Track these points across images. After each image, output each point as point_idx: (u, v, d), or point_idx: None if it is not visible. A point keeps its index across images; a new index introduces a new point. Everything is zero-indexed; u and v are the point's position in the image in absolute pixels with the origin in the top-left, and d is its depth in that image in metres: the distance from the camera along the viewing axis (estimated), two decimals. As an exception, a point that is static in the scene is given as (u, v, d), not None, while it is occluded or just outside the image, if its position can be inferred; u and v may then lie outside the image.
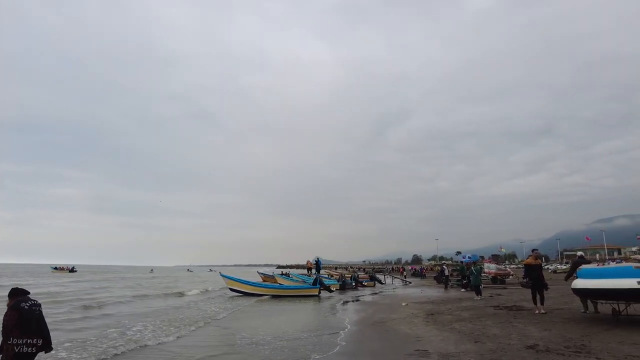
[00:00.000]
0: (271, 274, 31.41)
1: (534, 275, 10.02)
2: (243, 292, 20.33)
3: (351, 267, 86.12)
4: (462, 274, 23.18)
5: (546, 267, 69.38)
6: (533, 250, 10.69)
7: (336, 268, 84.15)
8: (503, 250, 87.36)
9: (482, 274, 17.41)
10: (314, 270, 27.23)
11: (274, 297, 19.61)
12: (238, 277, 22.32)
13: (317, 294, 20.27)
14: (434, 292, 21.69)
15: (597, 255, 78.65)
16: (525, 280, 10.29)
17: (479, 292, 16.06)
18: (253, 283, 21.35)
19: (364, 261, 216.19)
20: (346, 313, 13.19)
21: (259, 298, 18.99)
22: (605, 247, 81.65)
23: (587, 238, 78.42)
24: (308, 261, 29.37)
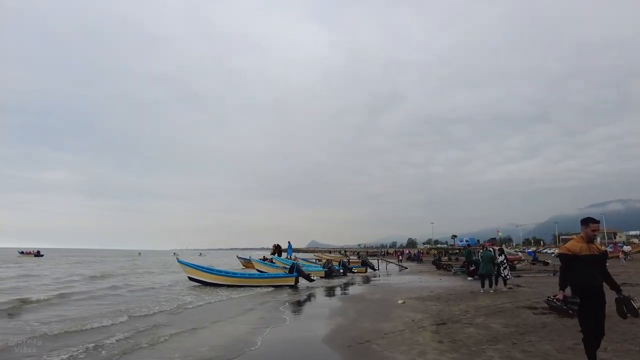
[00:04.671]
0: (248, 257, 27.76)
1: (591, 286, 3.85)
2: (202, 282, 16.60)
3: (345, 251, 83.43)
4: (468, 259, 19.85)
5: (544, 250, 66.84)
6: (590, 222, 3.98)
7: (330, 252, 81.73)
8: (500, 233, 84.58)
9: (498, 261, 13.34)
10: (277, 255, 24.15)
11: (237, 287, 15.88)
12: (198, 264, 18.51)
13: (293, 284, 16.60)
14: (435, 280, 18.04)
15: (597, 239, 76.16)
16: (572, 300, 3.82)
17: (492, 284, 12.55)
18: (215, 271, 17.58)
19: (359, 245, 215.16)
20: (314, 318, 9.06)
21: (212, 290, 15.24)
22: (605, 232, 79.29)
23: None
24: (274, 245, 26.28)
